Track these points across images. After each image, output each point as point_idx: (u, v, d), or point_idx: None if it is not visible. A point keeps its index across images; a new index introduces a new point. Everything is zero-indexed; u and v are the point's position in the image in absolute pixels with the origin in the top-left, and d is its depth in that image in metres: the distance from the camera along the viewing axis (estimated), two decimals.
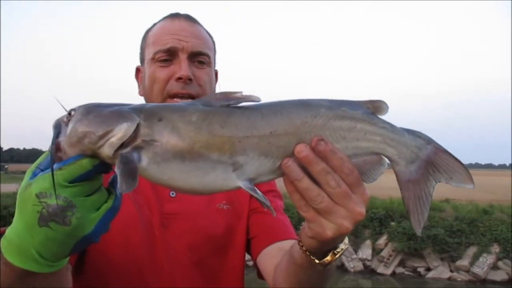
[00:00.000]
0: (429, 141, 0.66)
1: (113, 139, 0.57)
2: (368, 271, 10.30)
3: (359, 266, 10.34)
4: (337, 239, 0.66)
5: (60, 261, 0.64)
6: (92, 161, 0.58)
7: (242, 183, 0.61)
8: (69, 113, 0.60)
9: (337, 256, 0.72)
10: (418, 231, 0.66)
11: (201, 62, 1.05)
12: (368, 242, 10.65)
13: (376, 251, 10.53)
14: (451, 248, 10.01)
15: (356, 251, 10.57)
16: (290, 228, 1.08)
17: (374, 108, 0.65)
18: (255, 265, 1.07)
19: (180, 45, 1.03)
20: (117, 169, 0.55)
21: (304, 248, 0.72)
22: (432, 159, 0.65)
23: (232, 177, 0.60)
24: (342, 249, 0.72)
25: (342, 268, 10.36)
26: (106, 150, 0.57)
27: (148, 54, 1.06)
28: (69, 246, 0.61)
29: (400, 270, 10.17)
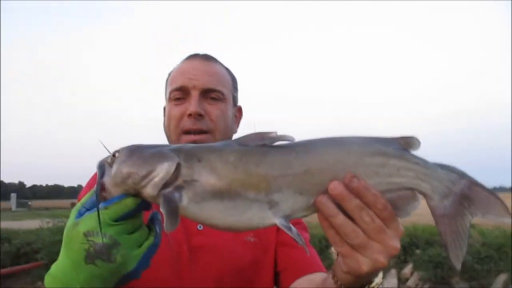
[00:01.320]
0: (462, 175, 0.66)
1: (156, 179, 0.60)
2: None
3: None
4: (372, 274, 0.67)
5: None
6: (136, 200, 0.62)
7: (278, 221, 0.62)
8: (113, 155, 0.64)
9: None
10: (458, 266, 0.66)
11: (213, 99, 1.08)
12: (393, 271, 10.34)
13: (402, 281, 10.20)
14: (480, 275, 9.64)
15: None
16: (318, 260, 1.08)
17: (406, 143, 0.66)
18: None
19: (191, 84, 1.07)
20: (162, 209, 0.58)
21: (339, 283, 0.72)
22: (467, 193, 0.65)
23: (268, 214, 0.62)
24: (376, 283, 0.72)
25: None
26: (149, 190, 0.60)
27: (167, 94, 1.13)
28: (112, 283, 0.64)
29: None
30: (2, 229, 11.72)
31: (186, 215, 0.62)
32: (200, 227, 1.05)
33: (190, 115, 1.04)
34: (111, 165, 0.63)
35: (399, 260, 10.43)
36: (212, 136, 1.05)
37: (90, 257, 0.61)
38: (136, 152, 0.63)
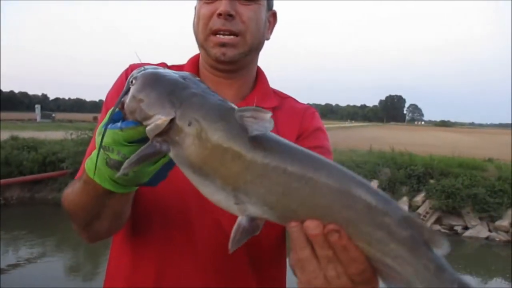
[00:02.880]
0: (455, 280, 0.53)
1: (149, 127, 0.61)
2: None
3: None
4: None
5: (131, 187, 0.75)
6: None
7: (240, 218, 0.59)
8: (131, 82, 0.66)
9: None
10: None
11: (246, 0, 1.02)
12: (404, 198, 10.58)
13: (412, 208, 10.45)
14: (491, 208, 9.79)
15: None
16: None
17: (430, 238, 0.52)
18: None
19: None
20: (128, 160, 0.62)
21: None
22: None
23: (233, 208, 0.59)
24: None
25: None
26: (147, 133, 0.62)
27: None
28: (133, 186, 0.74)
29: (436, 227, 10.08)
30: (28, 138, 12.20)
31: None
32: None
33: (220, 14, 0.97)
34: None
35: (412, 188, 10.61)
36: (242, 38, 0.99)
37: (109, 165, 0.68)
38: (146, 87, 0.63)
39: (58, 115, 53.31)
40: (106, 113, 0.69)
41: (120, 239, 1.05)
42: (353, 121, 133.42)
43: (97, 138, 0.68)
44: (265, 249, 1.06)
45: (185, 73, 0.68)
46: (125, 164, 0.62)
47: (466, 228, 9.89)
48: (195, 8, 1.10)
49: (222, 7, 0.97)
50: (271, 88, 1.12)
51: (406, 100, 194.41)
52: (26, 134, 13.08)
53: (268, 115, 0.55)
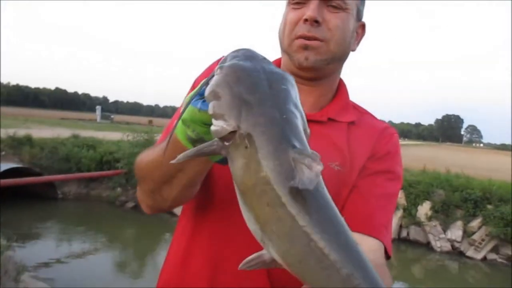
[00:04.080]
0: None
1: (212, 128, 0.59)
2: (456, 253, 9.80)
3: (447, 246, 9.87)
4: None
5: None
6: None
7: (265, 252, 0.59)
8: (216, 70, 0.63)
9: None
10: None
11: (334, 7, 0.99)
12: (459, 223, 10.07)
13: (467, 234, 9.94)
14: None
15: (444, 231, 10.07)
16: (378, 220, 0.96)
17: None
18: None
19: None
20: (198, 147, 0.62)
21: None
22: None
23: (259, 242, 0.58)
24: None
25: (428, 246, 9.98)
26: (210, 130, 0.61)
27: None
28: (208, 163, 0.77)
29: (492, 256, 9.53)
30: (88, 137, 12.83)
31: None
32: None
33: (306, 20, 0.96)
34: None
35: (468, 213, 10.08)
36: (326, 45, 0.97)
37: (187, 139, 0.70)
38: (224, 84, 0.59)
39: (117, 117, 55.77)
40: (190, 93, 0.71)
41: (180, 230, 1.06)
42: (406, 139, 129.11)
43: (185, 102, 0.70)
44: None
45: (277, 75, 0.63)
46: (181, 156, 0.62)
47: None
48: (283, 13, 1.10)
49: (309, 12, 0.96)
50: (351, 102, 1.08)
51: (464, 121, 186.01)
52: (86, 133, 13.77)
53: (320, 167, 0.51)
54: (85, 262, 7.56)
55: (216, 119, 0.58)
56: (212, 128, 0.59)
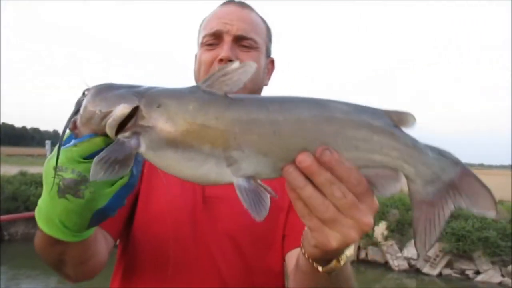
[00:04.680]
0: (455, 162, 0.60)
1: (110, 120, 0.58)
2: (413, 271, 10.03)
3: (404, 265, 10.08)
4: (343, 249, 0.63)
5: (83, 232, 0.70)
6: (106, 139, 0.61)
7: (235, 180, 0.58)
8: (83, 93, 0.63)
9: (341, 263, 0.69)
10: (422, 254, 0.61)
11: (246, 46, 1.05)
12: (413, 241, 10.35)
13: None
14: (503, 251, 9.53)
15: (401, 250, 10.31)
16: None
17: (399, 119, 0.58)
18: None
19: (225, 28, 1.04)
20: (96, 157, 0.56)
21: (306, 255, 0.69)
22: (456, 183, 0.59)
23: (226, 172, 0.58)
24: (347, 256, 0.69)
25: (386, 266, 10.15)
26: (108, 131, 0.59)
27: (199, 39, 1.10)
28: (87, 218, 0.66)
29: (447, 271, 9.83)
30: (36, 174, 12.27)
31: (148, 160, 0.60)
32: None
33: (221, 60, 1.00)
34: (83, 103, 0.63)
35: None
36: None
37: (61, 191, 0.62)
38: (102, 92, 0.61)
39: None
40: None
41: (118, 281, 1.06)
42: None
43: (46, 167, 0.64)
44: None
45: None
46: (94, 165, 0.56)
47: (477, 272, 9.61)
48: (196, 56, 1.13)
49: (223, 53, 1.00)
50: None
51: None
52: (35, 169, 13.17)
53: (235, 64, 0.58)
54: None
55: (108, 116, 0.58)
56: (112, 119, 0.58)
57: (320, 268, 0.69)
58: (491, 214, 0.58)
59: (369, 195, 0.59)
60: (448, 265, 9.90)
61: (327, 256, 0.66)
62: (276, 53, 1.18)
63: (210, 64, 1.03)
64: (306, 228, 0.64)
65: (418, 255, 0.61)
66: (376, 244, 10.44)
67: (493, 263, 9.63)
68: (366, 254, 10.47)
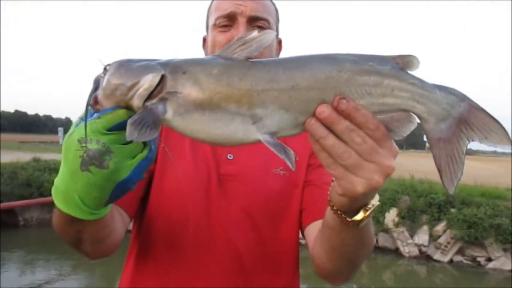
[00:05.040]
0: (462, 98, 0.63)
1: (141, 90, 0.61)
2: (424, 257, 10.02)
3: (415, 251, 10.08)
4: (368, 195, 0.66)
5: (101, 209, 0.72)
6: (128, 112, 0.63)
7: (262, 136, 0.62)
8: (105, 68, 0.65)
9: (368, 212, 0.71)
10: (451, 190, 0.64)
11: (260, 27, 1.05)
12: (425, 227, 10.33)
13: (433, 238, 10.20)
14: None
15: (412, 236, 10.30)
16: None
17: (404, 63, 0.62)
18: (304, 238, 1.08)
19: (239, 10, 1.04)
20: (130, 119, 0.59)
21: (335, 208, 0.71)
22: (466, 117, 0.62)
23: (252, 129, 0.61)
24: (373, 205, 0.71)
25: (396, 252, 10.16)
26: (136, 101, 0.61)
27: (211, 21, 1.10)
28: (108, 192, 0.67)
29: (458, 258, 9.80)
30: (49, 160, 12.43)
31: (173, 127, 0.62)
32: (230, 156, 1.06)
33: None
34: (104, 78, 0.64)
35: (433, 217, 10.37)
36: None
37: (85, 163, 0.63)
38: (125, 65, 0.63)
39: None
40: None
41: (132, 261, 1.07)
42: None
43: (67, 142, 0.65)
44: (281, 274, 1.07)
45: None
46: (129, 126, 0.58)
47: (489, 259, 9.57)
48: (204, 39, 1.15)
49: (240, 34, 1.00)
50: None
51: None
52: (48, 156, 13.34)
53: (254, 33, 0.63)
54: None
55: (134, 87, 0.61)
56: (140, 89, 0.60)
57: (348, 219, 0.71)
58: (506, 147, 0.61)
59: (388, 140, 0.62)
60: (459, 252, 9.88)
61: (354, 205, 0.69)
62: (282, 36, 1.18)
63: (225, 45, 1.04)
64: (333, 181, 0.68)
65: (448, 192, 0.65)
66: (387, 230, 10.43)
67: (505, 250, 9.57)
68: (377, 241, 10.48)
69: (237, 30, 1.03)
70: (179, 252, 1.00)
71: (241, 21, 1.03)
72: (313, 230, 1.01)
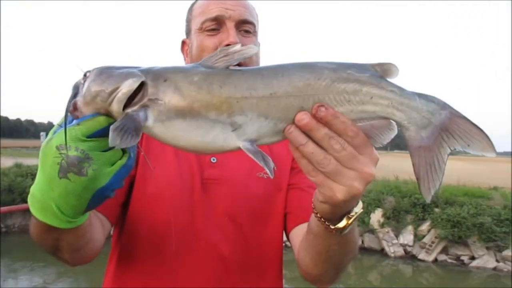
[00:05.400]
0: (443, 106, 0.63)
1: (119, 94, 0.60)
2: (409, 257, 10.12)
3: (400, 251, 10.18)
4: (349, 202, 0.65)
5: (78, 217, 0.70)
6: (108, 119, 0.62)
7: (241, 144, 0.62)
8: (85, 75, 0.65)
9: (351, 220, 0.71)
10: (428, 198, 0.64)
11: (247, 31, 1.06)
12: (410, 227, 10.44)
13: (418, 237, 10.31)
14: (498, 237, 9.63)
15: (397, 236, 10.39)
16: None
17: (383, 71, 0.62)
18: (289, 241, 1.08)
19: (227, 14, 1.03)
20: (112, 125, 0.59)
21: (318, 215, 0.71)
22: (447, 125, 0.62)
23: (232, 137, 0.62)
24: (356, 212, 0.71)
25: (382, 252, 10.25)
26: (115, 106, 0.61)
27: (195, 25, 1.08)
28: (86, 199, 0.66)
29: (442, 257, 9.93)
30: (32, 165, 12.23)
31: (153, 135, 0.62)
32: (213, 159, 1.06)
33: (228, 45, 1.00)
34: (84, 85, 0.64)
35: (417, 217, 10.48)
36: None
37: (63, 170, 0.62)
38: (105, 72, 0.63)
39: None
40: None
41: (114, 266, 1.06)
42: None
43: (45, 149, 0.64)
44: (265, 277, 1.07)
45: None
46: (111, 132, 0.58)
47: (472, 258, 9.71)
48: (186, 43, 1.13)
49: (231, 38, 1.00)
50: None
51: None
52: (30, 161, 13.13)
53: (237, 46, 0.64)
54: None
55: (114, 92, 0.60)
56: (120, 93, 0.60)
57: (331, 226, 0.72)
58: (489, 154, 0.62)
59: (368, 147, 0.62)
60: (444, 251, 10.00)
61: (337, 212, 0.69)
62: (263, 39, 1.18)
63: (214, 50, 1.02)
64: (316, 189, 0.67)
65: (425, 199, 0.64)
66: (372, 231, 10.51)
67: (488, 248, 9.73)
68: (363, 242, 10.55)
69: (227, 34, 1.02)
70: (162, 255, 1.00)
71: (230, 25, 1.03)
72: (298, 233, 1.01)
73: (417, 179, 0.64)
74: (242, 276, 1.03)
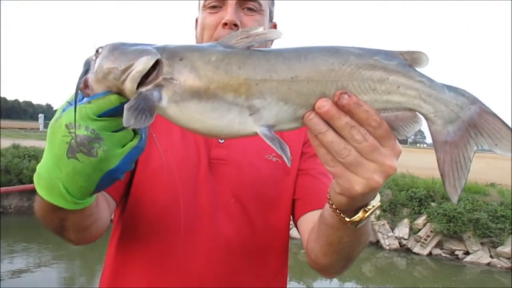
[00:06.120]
0: (473, 100, 0.59)
1: (133, 72, 0.57)
2: (404, 250, 10.18)
3: (395, 244, 10.23)
4: (367, 195, 0.62)
5: (85, 199, 0.67)
6: (120, 98, 0.60)
7: (259, 129, 0.59)
8: (97, 51, 0.61)
9: (368, 213, 0.69)
10: (454, 199, 0.60)
11: (250, 9, 1.02)
12: (405, 221, 10.49)
13: (413, 231, 10.37)
14: (493, 233, 9.69)
15: (392, 229, 10.45)
16: None
17: (412, 59, 0.59)
18: (296, 228, 1.06)
19: None
20: (127, 104, 0.56)
21: (333, 206, 0.69)
22: (476, 121, 0.59)
23: (249, 121, 0.58)
24: (373, 206, 0.69)
25: (377, 245, 10.30)
26: (128, 85, 0.57)
27: (201, 2, 1.06)
28: (95, 181, 0.63)
29: (437, 251, 9.99)
30: (29, 147, 12.21)
31: (167, 116, 0.59)
32: (221, 140, 1.03)
33: (225, 24, 0.98)
34: (96, 61, 0.61)
35: (413, 211, 10.53)
36: None
37: (72, 150, 0.59)
38: (119, 48, 0.60)
39: None
40: None
41: (114, 246, 1.05)
42: None
43: (54, 127, 0.61)
44: (269, 262, 1.05)
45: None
46: (126, 111, 0.55)
47: (467, 253, 9.78)
48: (196, 20, 1.10)
49: (227, 16, 0.98)
50: None
51: None
52: (28, 142, 13.10)
53: (259, 29, 0.60)
54: (29, 279, 7.16)
55: (128, 70, 0.57)
56: (134, 71, 0.57)
57: (346, 219, 0.69)
58: None
59: (391, 139, 0.59)
60: (438, 245, 10.06)
61: (353, 204, 0.66)
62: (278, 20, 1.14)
63: (214, 28, 1.00)
64: (333, 180, 0.64)
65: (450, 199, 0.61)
66: None
67: (482, 244, 9.79)
68: None
69: (225, 12, 0.99)
70: (164, 235, 0.98)
71: (230, 3, 0.99)
72: (306, 221, 0.99)
73: (442, 175, 0.60)
74: (245, 259, 1.01)
